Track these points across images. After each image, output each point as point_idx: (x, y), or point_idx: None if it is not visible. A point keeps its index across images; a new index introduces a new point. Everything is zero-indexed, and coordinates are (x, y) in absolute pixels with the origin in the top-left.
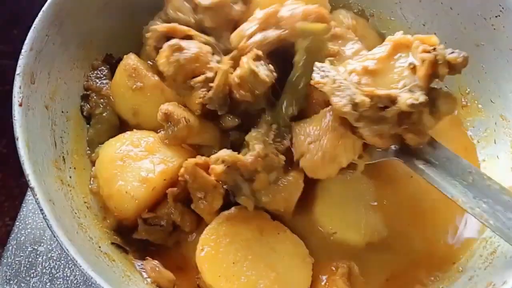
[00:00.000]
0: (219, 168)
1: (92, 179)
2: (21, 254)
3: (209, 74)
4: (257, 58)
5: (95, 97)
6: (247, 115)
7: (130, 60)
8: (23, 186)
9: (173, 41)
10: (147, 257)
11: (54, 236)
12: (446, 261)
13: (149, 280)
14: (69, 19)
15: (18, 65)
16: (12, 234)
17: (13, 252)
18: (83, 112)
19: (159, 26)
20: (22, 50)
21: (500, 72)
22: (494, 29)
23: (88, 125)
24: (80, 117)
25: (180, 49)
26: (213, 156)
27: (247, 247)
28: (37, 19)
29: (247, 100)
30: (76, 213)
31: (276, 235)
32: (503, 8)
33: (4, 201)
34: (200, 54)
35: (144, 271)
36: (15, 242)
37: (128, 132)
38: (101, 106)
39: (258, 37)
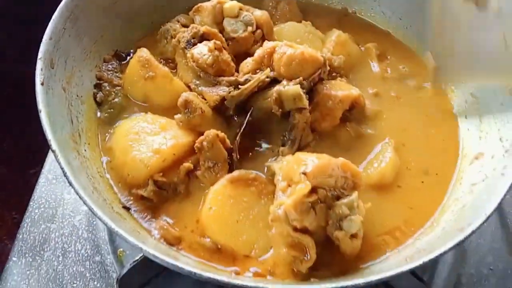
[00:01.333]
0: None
1: (103, 155)
2: (35, 231)
3: (241, 79)
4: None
5: (108, 87)
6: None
7: (143, 53)
8: (29, 182)
9: (218, 42)
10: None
11: (74, 190)
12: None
13: (156, 237)
14: (83, 15)
15: (39, 51)
16: (26, 213)
17: (28, 229)
18: (96, 98)
19: (204, 28)
20: (43, 38)
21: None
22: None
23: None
24: (93, 102)
25: (221, 50)
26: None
27: (248, 208)
28: (55, 13)
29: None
30: (91, 179)
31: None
32: None
33: (10, 196)
34: (231, 62)
35: (153, 229)
36: (29, 220)
37: (143, 113)
38: (113, 93)
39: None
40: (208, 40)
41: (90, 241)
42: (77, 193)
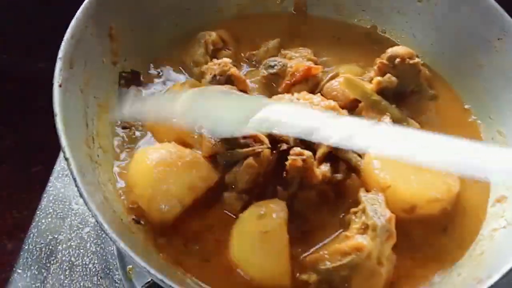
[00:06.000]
0: (298, 161)
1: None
2: (42, 242)
3: (242, 140)
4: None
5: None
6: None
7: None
8: (31, 180)
9: None
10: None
11: (84, 203)
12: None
13: (161, 255)
14: (107, 13)
15: (60, 50)
16: (33, 222)
17: (34, 239)
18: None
19: (233, 70)
20: (64, 37)
21: (500, 92)
22: (496, 51)
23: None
24: (108, 104)
25: None
26: (297, 149)
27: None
28: (79, 11)
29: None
30: (102, 187)
31: None
32: (505, 32)
33: (11, 194)
34: None
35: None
36: (36, 230)
37: (166, 143)
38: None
39: None
40: (233, 84)
41: (98, 255)
42: (87, 205)
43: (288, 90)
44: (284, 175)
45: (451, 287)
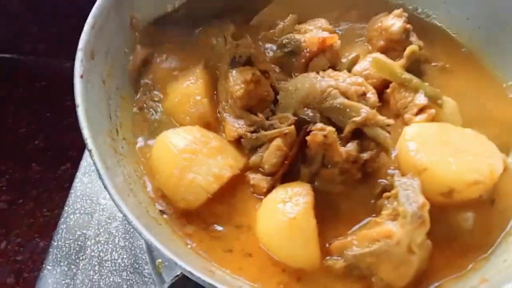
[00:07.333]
0: (319, 136)
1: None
2: (71, 238)
3: (266, 122)
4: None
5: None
6: None
7: None
8: (60, 179)
9: (258, 73)
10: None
11: (109, 195)
12: None
13: (190, 245)
14: (126, 4)
15: (80, 40)
16: (61, 218)
17: (63, 235)
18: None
19: (253, 50)
20: (85, 27)
21: None
22: None
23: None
24: (131, 97)
25: (258, 83)
26: (319, 124)
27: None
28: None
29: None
30: (127, 179)
31: None
32: None
33: (42, 193)
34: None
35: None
36: (64, 226)
37: (189, 126)
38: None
39: None
40: (253, 65)
41: (127, 249)
42: (112, 199)
43: (306, 66)
44: (306, 152)
45: (495, 272)
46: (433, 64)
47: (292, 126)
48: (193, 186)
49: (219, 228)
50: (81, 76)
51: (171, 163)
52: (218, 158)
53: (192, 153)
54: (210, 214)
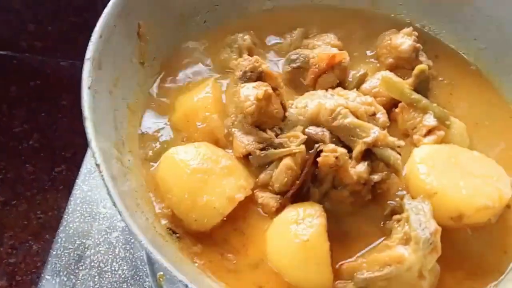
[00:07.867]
0: (331, 158)
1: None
2: (70, 247)
3: (276, 140)
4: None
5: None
6: None
7: None
8: (54, 180)
9: (269, 90)
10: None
11: (118, 211)
12: None
13: (197, 264)
14: (135, 11)
15: (88, 50)
16: (60, 227)
17: (62, 244)
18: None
19: (265, 67)
20: (92, 37)
21: None
22: None
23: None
24: (138, 107)
25: (269, 100)
26: (331, 145)
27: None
28: (107, 9)
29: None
30: (134, 193)
31: None
32: None
33: (35, 194)
34: (277, 114)
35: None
36: (64, 235)
37: (196, 143)
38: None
39: None
40: (264, 81)
41: (127, 260)
42: (120, 214)
43: (315, 82)
44: (317, 172)
45: None
46: (440, 79)
47: (303, 146)
48: (207, 209)
49: (229, 252)
50: (89, 87)
51: (184, 183)
52: (230, 179)
53: (205, 173)
54: (220, 233)
